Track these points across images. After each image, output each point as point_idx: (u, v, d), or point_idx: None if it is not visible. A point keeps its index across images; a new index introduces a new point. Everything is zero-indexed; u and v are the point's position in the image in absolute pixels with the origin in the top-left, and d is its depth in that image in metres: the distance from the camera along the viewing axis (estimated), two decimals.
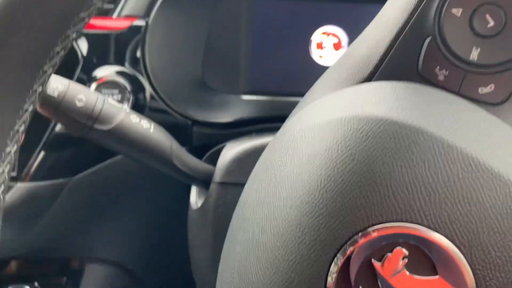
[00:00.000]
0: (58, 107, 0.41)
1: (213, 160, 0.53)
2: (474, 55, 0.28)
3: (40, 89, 0.30)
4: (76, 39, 0.30)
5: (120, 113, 0.44)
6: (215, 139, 0.63)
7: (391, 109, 0.28)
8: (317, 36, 0.68)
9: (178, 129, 0.65)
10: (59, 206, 0.62)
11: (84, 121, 0.42)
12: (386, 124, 0.27)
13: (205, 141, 0.64)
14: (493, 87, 0.28)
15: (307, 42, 0.69)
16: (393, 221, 0.26)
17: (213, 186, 0.48)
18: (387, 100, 0.28)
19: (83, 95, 0.42)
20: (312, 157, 0.29)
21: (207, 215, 0.49)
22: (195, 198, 0.53)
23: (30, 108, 0.31)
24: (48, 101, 0.41)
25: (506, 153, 0.27)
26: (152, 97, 0.62)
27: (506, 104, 0.28)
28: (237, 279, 0.31)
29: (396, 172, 0.26)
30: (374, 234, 0.26)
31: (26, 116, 0.31)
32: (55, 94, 0.41)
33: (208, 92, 0.68)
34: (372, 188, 0.26)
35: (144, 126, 0.45)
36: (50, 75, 0.30)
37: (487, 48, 0.28)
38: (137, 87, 0.62)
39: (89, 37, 0.61)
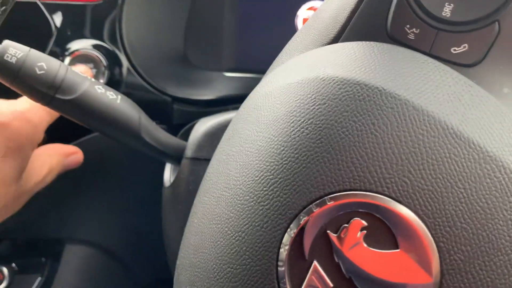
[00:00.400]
0: (17, 75, 0.39)
1: (188, 136, 0.51)
2: (446, 11, 0.26)
3: None
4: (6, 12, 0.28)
5: (85, 82, 0.41)
6: (197, 117, 0.61)
7: (353, 69, 0.25)
8: (303, 11, 0.65)
9: (157, 106, 0.63)
10: None
11: (45, 90, 0.40)
12: (347, 85, 0.25)
13: (186, 118, 0.62)
14: (466, 46, 0.26)
15: (293, 17, 0.67)
16: (351, 189, 0.24)
17: (184, 162, 0.46)
18: (351, 61, 0.26)
19: (43, 63, 0.40)
20: (271, 122, 0.27)
21: (178, 192, 0.47)
22: (168, 174, 0.51)
23: None
24: (6, 68, 0.39)
25: (477, 117, 0.24)
26: (129, 72, 0.60)
27: (481, 65, 0.26)
28: (192, 252, 0.29)
29: (356, 136, 0.24)
30: (330, 203, 0.24)
31: None
32: (13, 61, 0.39)
33: (190, 69, 0.66)
34: (329, 153, 0.24)
35: (110, 97, 0.42)
36: None
37: (461, 3, 0.26)
38: (114, 62, 0.60)
39: (63, 8, 0.58)
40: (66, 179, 0.62)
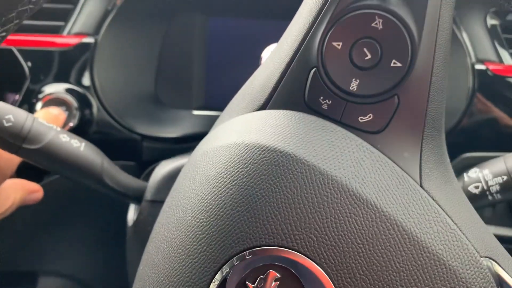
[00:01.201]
0: None
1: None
2: (353, 86, 0.30)
3: None
4: None
5: (50, 132, 0.45)
6: (166, 153, 0.64)
7: (272, 137, 0.29)
8: (267, 53, 0.70)
9: (127, 144, 0.66)
10: (8, 221, 0.62)
11: (12, 140, 0.43)
12: (265, 151, 0.28)
13: (155, 155, 0.65)
14: (371, 116, 0.30)
15: (257, 58, 0.71)
16: (266, 245, 0.27)
17: (144, 204, 0.49)
18: (271, 128, 0.30)
19: (11, 115, 0.43)
20: (204, 181, 0.30)
21: (139, 232, 0.50)
22: (132, 214, 0.54)
23: None
24: None
25: (376, 180, 0.28)
26: (100, 112, 0.64)
27: (384, 133, 0.30)
28: None
29: (271, 198, 0.27)
30: (249, 258, 0.27)
31: None
32: None
33: (160, 107, 0.69)
34: (248, 213, 0.27)
35: (74, 145, 0.46)
36: None
37: (365, 79, 0.29)
38: (85, 104, 0.63)
39: (37, 54, 0.62)
40: (38, 215, 0.65)
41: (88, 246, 0.68)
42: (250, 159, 0.29)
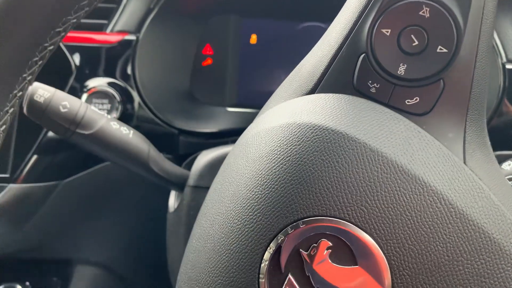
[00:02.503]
0: (44, 112, 0.45)
1: (192, 166, 0.56)
2: (401, 70, 0.31)
3: (20, 93, 0.34)
4: (53, 51, 0.34)
5: (102, 119, 0.48)
6: (201, 148, 0.67)
7: (323, 117, 0.31)
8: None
9: (165, 138, 0.69)
10: (49, 208, 0.65)
11: (68, 125, 0.46)
12: (317, 130, 0.30)
13: (191, 149, 0.68)
14: (418, 99, 0.31)
15: (288, 58, 0.73)
16: (319, 215, 0.29)
17: (187, 190, 0.51)
18: (322, 110, 0.32)
19: (67, 102, 0.46)
20: (257, 159, 0.32)
21: (181, 217, 0.52)
22: (173, 201, 0.56)
23: (11, 111, 0.35)
24: (35, 106, 0.45)
25: (423, 158, 0.30)
26: (140, 107, 0.66)
27: (430, 115, 0.32)
28: (190, 268, 0.34)
29: (323, 172, 0.29)
30: (303, 226, 0.29)
31: (7, 118, 0.34)
32: (41, 100, 0.45)
33: (195, 104, 0.72)
34: (302, 186, 0.29)
35: (124, 132, 0.48)
36: (30, 81, 0.34)
37: (412, 64, 0.31)
38: (127, 98, 0.66)
39: (82, 50, 0.65)
40: (77, 202, 0.68)
41: (125, 236, 0.71)
42: (303, 137, 0.31)
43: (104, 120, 0.48)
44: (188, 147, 0.69)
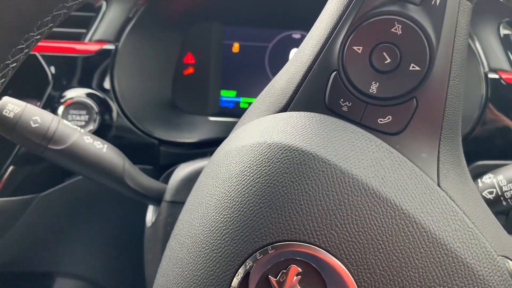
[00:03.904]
0: (14, 127, 0.44)
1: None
2: (373, 88, 0.31)
3: None
4: (26, 55, 0.33)
5: (75, 133, 0.46)
6: (182, 158, 0.66)
7: (294, 137, 0.30)
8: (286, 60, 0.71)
9: (145, 149, 0.67)
10: (26, 222, 0.64)
11: (39, 141, 0.45)
12: (287, 150, 0.30)
13: (172, 160, 0.67)
14: (390, 118, 0.31)
15: (277, 68, 0.73)
16: (288, 240, 0.28)
17: (163, 205, 0.50)
18: (293, 129, 0.31)
19: (38, 117, 0.45)
20: (227, 179, 0.31)
21: (157, 233, 0.51)
22: (150, 215, 0.55)
23: None
24: (4, 122, 0.44)
25: (395, 179, 0.29)
26: (119, 117, 0.65)
27: (403, 134, 0.31)
28: None
29: (293, 195, 0.28)
30: (271, 252, 0.28)
31: None
32: (11, 115, 0.44)
33: (177, 113, 0.71)
34: (271, 209, 0.28)
35: (97, 146, 0.47)
36: (2, 84, 0.33)
37: (385, 82, 0.30)
38: (105, 108, 0.65)
39: (59, 60, 0.64)
40: (55, 215, 0.67)
41: (104, 248, 0.69)
42: (272, 158, 0.30)
43: (77, 134, 0.46)
44: (169, 158, 0.68)
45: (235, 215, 0.29)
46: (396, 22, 0.30)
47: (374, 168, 0.29)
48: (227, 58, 0.71)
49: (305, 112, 0.32)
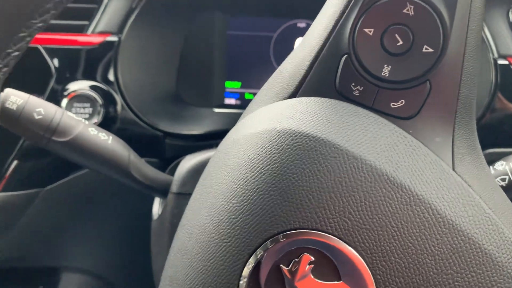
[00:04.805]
0: (17, 120, 0.43)
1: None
2: (385, 72, 0.30)
3: None
4: (28, 43, 0.32)
5: (79, 125, 0.46)
6: (187, 150, 0.65)
7: (304, 123, 0.29)
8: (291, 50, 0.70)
9: (150, 141, 0.67)
10: (31, 216, 0.63)
11: (43, 132, 0.44)
12: (298, 137, 0.29)
13: (177, 152, 0.66)
14: (403, 102, 0.30)
15: (276, 57, 0.72)
16: (300, 228, 0.27)
17: (170, 197, 0.50)
18: (303, 115, 0.30)
19: (41, 108, 0.44)
20: (236, 167, 0.31)
21: (164, 225, 0.50)
22: (157, 207, 0.54)
23: None
24: (7, 114, 0.43)
25: (410, 165, 0.28)
26: (123, 109, 0.64)
27: (416, 118, 0.30)
28: (168, 284, 0.32)
29: (304, 182, 0.28)
30: (283, 240, 0.27)
31: None
32: (14, 107, 0.43)
33: (181, 105, 0.70)
34: (281, 197, 0.28)
35: (102, 138, 0.46)
36: (4, 74, 0.32)
37: (397, 65, 0.30)
38: (109, 101, 0.64)
39: (62, 52, 0.63)
40: (60, 209, 0.66)
41: (110, 242, 0.69)
42: (282, 145, 0.29)
43: (81, 126, 0.46)
44: (174, 150, 0.67)
45: (244, 204, 0.29)
46: (408, 3, 0.29)
47: (388, 153, 0.28)
48: (231, 48, 0.70)
49: (315, 98, 0.31)
